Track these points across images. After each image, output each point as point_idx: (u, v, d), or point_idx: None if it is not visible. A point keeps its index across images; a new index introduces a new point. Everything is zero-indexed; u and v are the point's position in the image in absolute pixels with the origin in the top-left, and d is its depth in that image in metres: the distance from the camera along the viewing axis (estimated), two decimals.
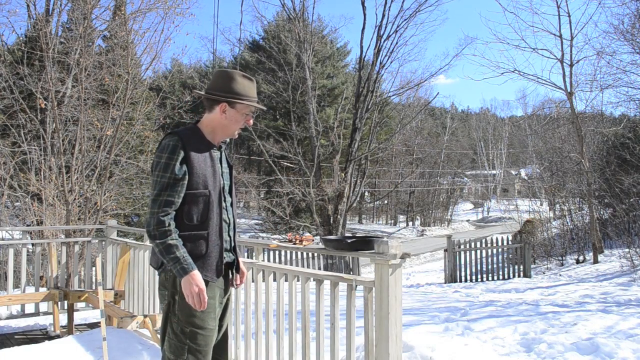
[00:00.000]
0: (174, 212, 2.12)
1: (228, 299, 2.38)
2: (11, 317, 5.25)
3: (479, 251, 13.08)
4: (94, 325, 5.31)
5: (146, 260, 4.61)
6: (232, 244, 2.33)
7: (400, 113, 30.66)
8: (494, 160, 52.58)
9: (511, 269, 13.09)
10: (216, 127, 2.26)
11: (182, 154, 2.11)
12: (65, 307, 5.09)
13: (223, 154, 2.35)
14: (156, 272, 2.28)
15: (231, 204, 2.34)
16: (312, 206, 18.01)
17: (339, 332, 2.74)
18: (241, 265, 2.46)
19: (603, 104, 32.85)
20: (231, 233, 2.32)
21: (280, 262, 11.65)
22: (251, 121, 2.30)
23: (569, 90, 15.25)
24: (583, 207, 17.31)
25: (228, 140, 2.40)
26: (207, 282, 2.15)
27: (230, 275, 2.37)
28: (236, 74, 2.28)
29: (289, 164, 21.71)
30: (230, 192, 2.35)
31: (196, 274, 2.05)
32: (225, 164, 2.34)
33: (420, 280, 14.57)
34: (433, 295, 9.65)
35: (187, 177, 2.12)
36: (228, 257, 2.30)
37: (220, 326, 2.32)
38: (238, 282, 2.45)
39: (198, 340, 2.13)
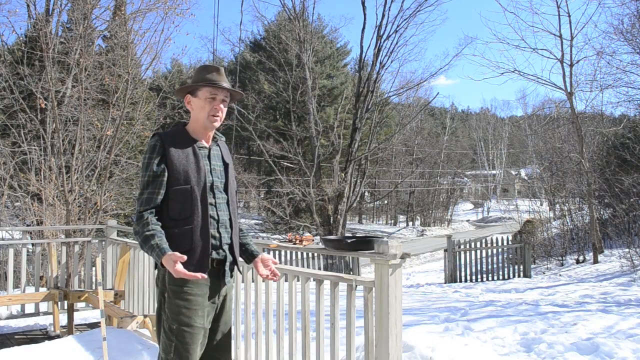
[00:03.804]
0: (156, 208, 2.16)
1: (225, 300, 2.32)
2: (11, 317, 5.25)
3: (479, 251, 13.08)
4: (94, 325, 5.31)
5: (146, 260, 4.61)
6: (228, 242, 2.28)
7: (400, 113, 30.68)
8: (494, 160, 52.59)
9: (511, 269, 13.09)
10: (193, 122, 2.30)
11: (161, 152, 2.18)
12: (65, 307, 5.10)
13: (215, 150, 2.33)
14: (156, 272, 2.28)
15: (227, 202, 2.31)
16: (312, 206, 18.02)
17: (339, 332, 2.73)
18: (259, 258, 2.40)
19: (603, 104, 32.88)
20: (222, 230, 2.26)
21: (280, 262, 11.65)
22: (220, 105, 2.26)
23: (569, 90, 15.25)
24: (583, 207, 17.29)
25: (223, 137, 2.41)
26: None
27: (228, 275, 2.32)
28: (199, 68, 2.33)
29: (289, 164, 21.72)
30: (225, 190, 2.31)
31: (171, 253, 2.02)
32: (218, 161, 2.33)
33: (420, 280, 14.57)
34: (433, 295, 9.65)
35: (166, 173, 2.17)
36: (218, 254, 2.25)
37: (216, 327, 2.29)
38: (263, 273, 2.35)
39: (185, 338, 2.13)
